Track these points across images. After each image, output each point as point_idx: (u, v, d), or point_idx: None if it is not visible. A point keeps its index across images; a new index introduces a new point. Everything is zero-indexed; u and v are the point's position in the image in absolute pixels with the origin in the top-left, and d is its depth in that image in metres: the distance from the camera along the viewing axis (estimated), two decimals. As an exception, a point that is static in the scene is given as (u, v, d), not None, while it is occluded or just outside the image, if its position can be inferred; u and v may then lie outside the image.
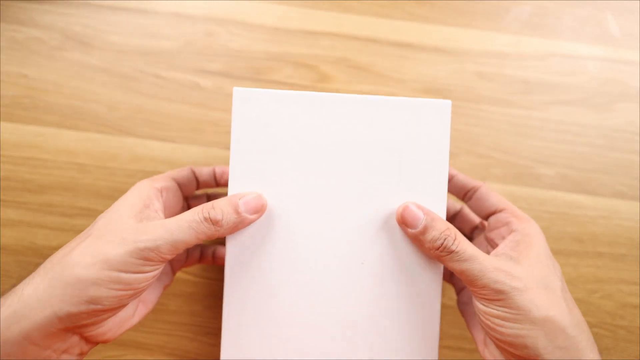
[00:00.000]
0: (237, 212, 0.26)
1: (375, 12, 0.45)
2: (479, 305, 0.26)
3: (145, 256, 0.24)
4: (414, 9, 0.45)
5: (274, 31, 0.44)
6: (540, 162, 0.42)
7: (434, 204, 0.28)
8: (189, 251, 0.34)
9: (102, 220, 0.26)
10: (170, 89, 0.42)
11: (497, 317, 0.25)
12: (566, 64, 0.44)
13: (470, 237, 0.35)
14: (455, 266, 0.26)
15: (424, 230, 0.26)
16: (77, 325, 0.23)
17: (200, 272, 0.40)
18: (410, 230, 0.27)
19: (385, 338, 0.29)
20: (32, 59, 0.42)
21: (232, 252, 0.29)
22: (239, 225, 0.27)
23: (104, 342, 0.25)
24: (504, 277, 0.25)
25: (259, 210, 0.28)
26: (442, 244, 0.26)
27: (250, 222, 0.27)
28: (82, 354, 0.25)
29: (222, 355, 0.28)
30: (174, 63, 0.43)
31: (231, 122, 0.29)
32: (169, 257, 0.25)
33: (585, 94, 0.43)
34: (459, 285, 0.34)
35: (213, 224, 0.25)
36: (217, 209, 0.26)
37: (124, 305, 0.25)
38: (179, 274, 0.39)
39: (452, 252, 0.25)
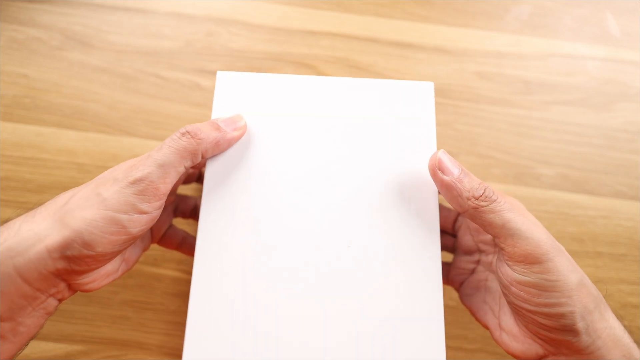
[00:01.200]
0: (217, 128, 0.27)
1: (375, 12, 0.45)
2: (513, 275, 0.25)
3: (139, 190, 0.24)
4: (414, 9, 0.45)
5: (274, 31, 0.44)
6: (540, 162, 0.42)
7: (426, 179, 0.28)
8: (171, 229, 0.34)
9: (101, 174, 0.26)
10: (170, 89, 0.42)
11: (534, 286, 0.24)
12: (566, 64, 0.44)
13: (453, 228, 0.35)
14: (495, 217, 0.25)
15: (461, 179, 0.26)
16: (68, 270, 0.23)
17: (200, 272, 0.40)
18: (446, 177, 0.26)
19: (381, 336, 0.25)
20: (32, 59, 0.42)
21: (202, 238, 0.27)
22: (221, 140, 0.27)
23: (86, 291, 0.26)
24: (546, 235, 0.24)
25: (237, 122, 0.28)
26: (483, 193, 0.25)
27: (232, 138, 0.27)
28: (63, 299, 0.25)
29: (185, 355, 0.25)
30: (174, 63, 0.43)
31: (212, 104, 0.29)
32: (162, 187, 0.24)
33: (585, 94, 0.43)
34: (457, 281, 0.33)
35: (192, 137, 0.26)
36: (195, 125, 0.26)
37: (114, 254, 0.25)
38: (178, 274, 0.39)
39: (494, 201, 0.25)
